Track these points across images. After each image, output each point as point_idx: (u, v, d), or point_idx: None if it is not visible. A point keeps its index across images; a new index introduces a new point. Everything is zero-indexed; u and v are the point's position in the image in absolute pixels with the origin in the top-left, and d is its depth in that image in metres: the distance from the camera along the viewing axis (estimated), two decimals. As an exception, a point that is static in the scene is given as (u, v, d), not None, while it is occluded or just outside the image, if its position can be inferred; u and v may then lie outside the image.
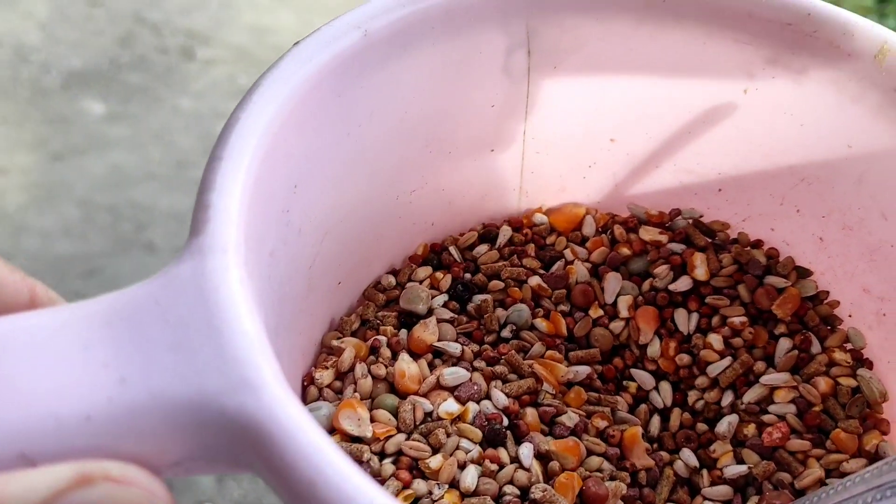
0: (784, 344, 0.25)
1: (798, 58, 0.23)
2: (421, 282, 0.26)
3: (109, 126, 0.76)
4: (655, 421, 0.25)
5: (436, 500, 0.20)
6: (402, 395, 0.23)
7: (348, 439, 0.21)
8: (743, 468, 0.23)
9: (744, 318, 0.25)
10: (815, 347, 0.25)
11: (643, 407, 0.25)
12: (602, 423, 0.24)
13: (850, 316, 0.25)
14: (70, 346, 0.14)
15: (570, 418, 0.23)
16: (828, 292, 0.26)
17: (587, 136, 0.26)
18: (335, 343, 0.23)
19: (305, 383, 0.23)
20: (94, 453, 0.13)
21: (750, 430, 0.24)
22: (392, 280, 0.26)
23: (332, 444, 0.13)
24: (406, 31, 0.22)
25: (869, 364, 0.25)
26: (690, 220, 0.27)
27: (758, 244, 0.27)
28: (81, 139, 0.75)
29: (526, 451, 0.22)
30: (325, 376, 0.22)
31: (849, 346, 0.25)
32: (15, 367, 0.14)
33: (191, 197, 0.73)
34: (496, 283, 0.26)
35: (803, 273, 0.26)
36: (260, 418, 0.13)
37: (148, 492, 0.13)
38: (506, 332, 0.25)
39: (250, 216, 0.17)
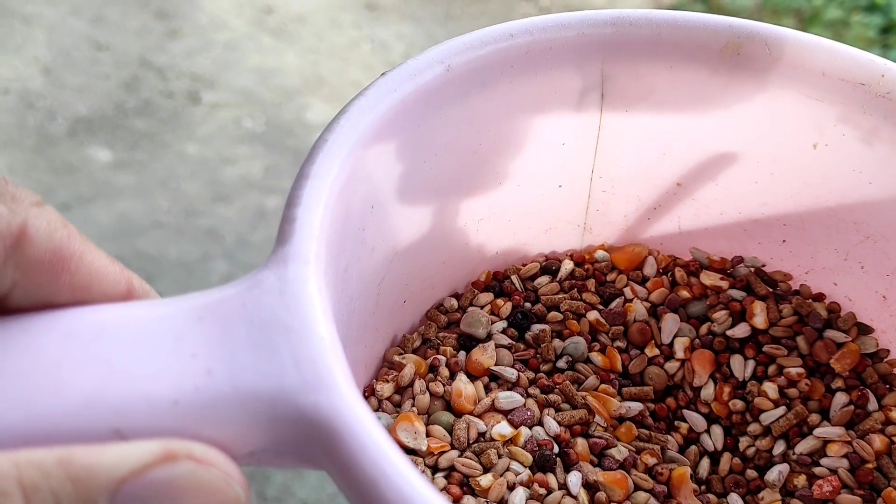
0: (840, 398, 0.25)
1: (869, 117, 0.23)
2: (482, 307, 0.27)
3: (116, 174, 0.75)
4: (705, 463, 0.25)
5: (483, 518, 0.21)
6: (458, 414, 0.24)
7: (404, 451, 0.22)
8: (790, 519, 0.23)
9: (801, 370, 0.25)
10: (872, 404, 0.25)
11: (693, 448, 0.25)
12: (651, 460, 0.24)
13: (910, 376, 0.25)
14: (163, 336, 0.15)
15: (620, 452, 0.24)
16: (888, 351, 0.26)
17: (654, 178, 0.27)
18: (397, 359, 0.24)
19: (366, 394, 0.24)
20: (179, 434, 0.14)
21: (800, 480, 0.24)
22: (454, 303, 0.27)
23: (395, 446, 0.14)
24: (486, 68, 0.23)
25: (927, 426, 0.24)
26: (752, 269, 0.27)
27: (819, 297, 0.27)
28: (88, 188, 0.74)
29: (574, 479, 0.22)
30: (385, 389, 0.24)
31: (907, 406, 0.25)
32: (113, 352, 0.15)
33: (199, 246, 0.73)
34: (555, 315, 0.27)
35: (864, 329, 0.26)
36: (330, 417, 0.15)
37: (225, 473, 0.14)
38: (561, 363, 0.26)
39: (331, 232, 0.18)
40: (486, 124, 0.24)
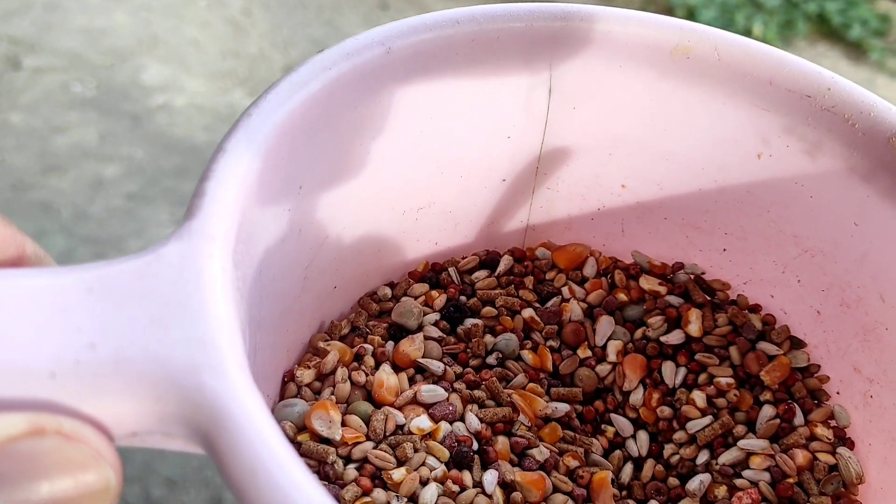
0: (767, 411, 0.25)
1: (814, 130, 0.23)
2: (416, 298, 0.26)
3: (-71, 150, 0.69)
4: (628, 469, 0.25)
5: (391, 513, 0.21)
6: (378, 405, 0.23)
7: (317, 439, 0.22)
8: (707, 529, 0.23)
9: (731, 380, 0.25)
10: (798, 419, 0.25)
11: (618, 453, 0.25)
12: (573, 463, 0.24)
13: (837, 393, 0.25)
14: (49, 306, 0.15)
15: (542, 453, 0.24)
16: (819, 366, 0.26)
17: (599, 179, 0.27)
18: (321, 345, 0.24)
19: (286, 379, 0.23)
20: (54, 409, 0.14)
21: (721, 491, 0.24)
22: (388, 292, 0.26)
23: (280, 437, 0.14)
24: (429, 54, 0.22)
25: (850, 444, 0.24)
26: (692, 276, 0.27)
27: (756, 308, 0.27)
28: None
29: (490, 478, 0.22)
30: (305, 375, 0.23)
31: (833, 423, 0.25)
32: (-5, 319, 0.14)
33: (32, 222, 0.66)
34: (489, 310, 0.26)
35: (797, 343, 0.26)
36: (215, 401, 0.14)
37: (96, 452, 0.13)
38: (491, 359, 0.25)
39: (247, 209, 0.18)
40: (428, 111, 0.24)
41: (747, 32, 0.93)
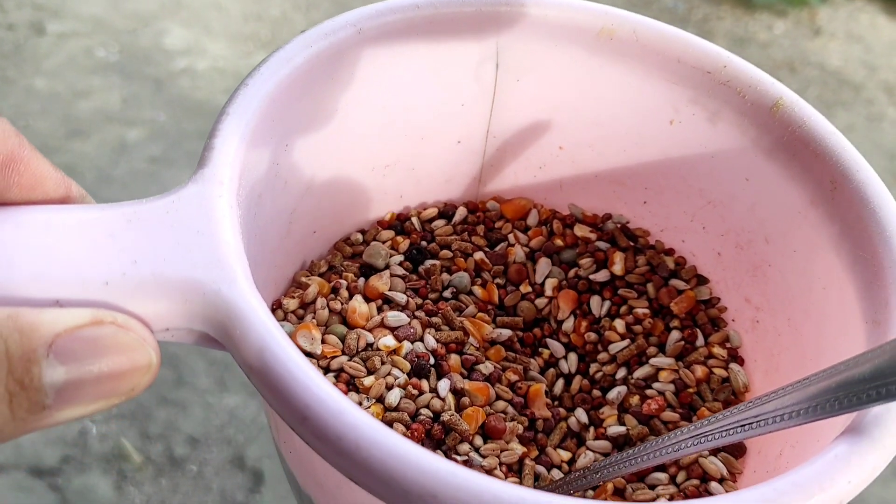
0: (675, 335, 0.30)
1: (713, 100, 0.28)
2: (384, 242, 0.31)
3: (-45, 114, 0.71)
4: (559, 383, 0.30)
5: (364, 410, 0.25)
6: (351, 328, 0.28)
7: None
8: (622, 429, 0.28)
9: (646, 310, 0.30)
10: (700, 341, 0.30)
11: (551, 371, 0.30)
12: (514, 377, 0.29)
13: (733, 320, 0.30)
14: (99, 233, 0.19)
15: (487, 367, 0.28)
16: (719, 298, 0.31)
17: (540, 141, 0.31)
18: (303, 279, 0.28)
19: (274, 308, 0.28)
20: (108, 308, 0.18)
21: (634, 400, 0.29)
22: (360, 237, 0.31)
23: (276, 324, 0.18)
24: (394, 34, 0.27)
25: (740, 361, 0.30)
26: (618, 225, 0.32)
27: (670, 252, 0.32)
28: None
29: (443, 385, 0.27)
30: (290, 304, 0.27)
31: (728, 344, 0.30)
32: (56, 241, 0.19)
33: None
34: (446, 253, 0.31)
35: (702, 280, 0.31)
36: (229, 302, 0.19)
37: (141, 338, 0.18)
38: (447, 293, 0.30)
39: (245, 162, 0.22)
40: (394, 82, 0.28)
41: (785, -12, 0.89)
